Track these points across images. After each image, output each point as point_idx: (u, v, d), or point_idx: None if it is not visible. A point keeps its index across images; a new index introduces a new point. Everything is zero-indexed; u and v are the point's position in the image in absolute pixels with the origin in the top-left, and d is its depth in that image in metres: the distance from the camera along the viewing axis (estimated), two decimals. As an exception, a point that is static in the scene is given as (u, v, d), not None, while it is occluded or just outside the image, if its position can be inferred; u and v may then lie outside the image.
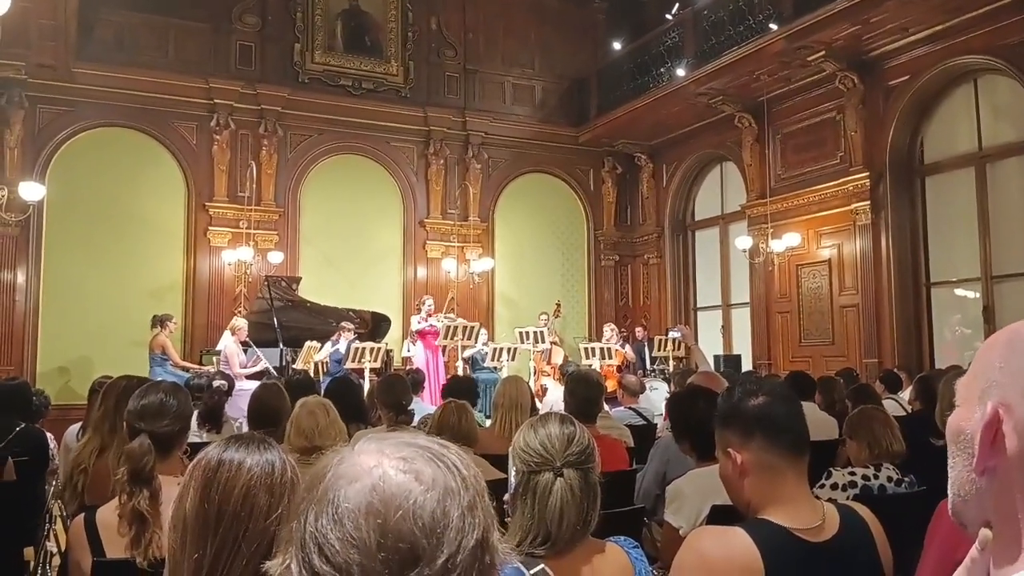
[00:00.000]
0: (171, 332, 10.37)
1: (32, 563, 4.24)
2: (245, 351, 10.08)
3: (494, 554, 0.75)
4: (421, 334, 11.56)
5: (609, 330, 12.33)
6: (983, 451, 0.82)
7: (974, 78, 9.75)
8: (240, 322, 10.26)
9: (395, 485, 0.72)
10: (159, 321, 10.16)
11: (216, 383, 5.38)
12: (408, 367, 10.54)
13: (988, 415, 0.82)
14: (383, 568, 0.69)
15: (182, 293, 11.84)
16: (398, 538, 0.70)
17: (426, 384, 9.53)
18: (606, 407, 5.37)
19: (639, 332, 13.01)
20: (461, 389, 5.20)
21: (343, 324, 10.60)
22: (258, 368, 9.81)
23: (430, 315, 11.68)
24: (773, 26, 10.46)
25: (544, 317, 12.27)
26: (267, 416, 3.99)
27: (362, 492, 0.72)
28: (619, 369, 10.96)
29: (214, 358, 10.26)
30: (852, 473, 3.24)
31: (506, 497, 1.83)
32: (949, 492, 0.89)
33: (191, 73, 11.86)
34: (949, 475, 0.89)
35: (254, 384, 5.90)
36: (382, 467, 0.74)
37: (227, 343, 10.05)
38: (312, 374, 9.44)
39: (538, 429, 1.81)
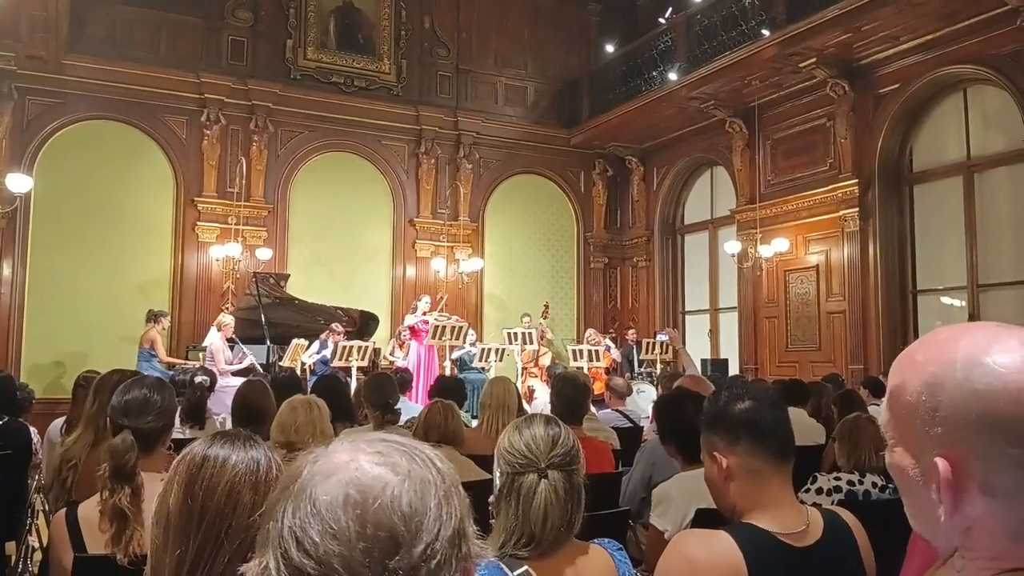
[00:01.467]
0: (163, 329, 10.33)
1: (13, 558, 4.21)
2: (231, 348, 10.04)
3: (470, 544, 0.75)
4: (415, 332, 11.52)
5: (593, 334, 12.32)
6: (950, 508, 0.82)
7: (964, 87, 9.81)
8: (227, 318, 10.23)
9: (372, 477, 0.73)
10: (154, 316, 10.11)
11: (198, 379, 5.35)
12: (395, 366, 10.52)
13: (943, 475, 0.81)
14: (363, 557, 0.69)
15: (169, 288, 11.79)
16: (377, 527, 0.70)
17: (416, 383, 9.53)
18: (593, 409, 5.38)
19: (630, 334, 13.02)
20: (449, 389, 5.19)
21: (333, 326, 10.56)
22: (243, 364, 9.78)
23: (425, 313, 11.65)
24: (765, 32, 10.51)
25: (527, 319, 12.26)
26: (251, 413, 3.97)
27: (339, 485, 0.72)
28: (607, 371, 10.97)
29: (200, 354, 10.22)
30: (837, 478, 3.26)
31: (491, 499, 1.82)
32: (914, 523, 0.90)
33: (182, 68, 11.81)
34: (906, 507, 0.90)
35: (239, 380, 5.87)
36: (358, 461, 0.74)
37: (213, 339, 10.01)
38: (299, 372, 9.42)
39: (523, 430, 1.81)
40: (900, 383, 0.88)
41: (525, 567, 1.66)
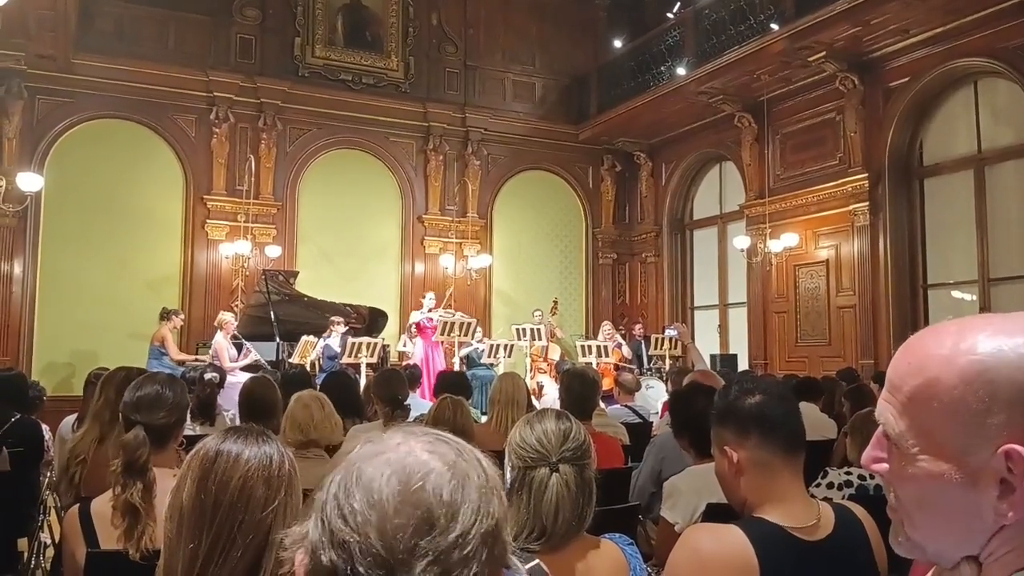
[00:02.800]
0: (175, 327, 10.35)
1: (26, 554, 4.24)
2: (238, 345, 10.05)
3: (505, 550, 0.77)
4: (420, 328, 11.54)
5: (608, 327, 12.32)
6: (1020, 501, 0.79)
7: (974, 80, 9.76)
8: (226, 316, 10.22)
9: (419, 461, 0.75)
10: (167, 314, 10.14)
11: (208, 376, 5.37)
12: (405, 362, 10.54)
13: (1021, 464, 0.77)
14: (397, 531, 0.71)
15: (179, 286, 11.83)
16: (416, 505, 0.72)
17: (424, 380, 9.53)
18: (602, 404, 5.38)
19: (637, 329, 13.00)
20: (453, 384, 5.19)
21: (333, 319, 10.58)
22: (248, 360, 9.80)
23: (431, 310, 11.67)
24: (774, 26, 10.46)
25: (538, 314, 12.27)
26: (258, 408, 3.98)
27: (386, 463, 0.75)
28: (616, 367, 10.96)
29: (208, 352, 10.25)
30: (848, 473, 3.25)
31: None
32: (933, 538, 0.86)
33: (191, 66, 11.84)
34: (924, 522, 0.85)
35: (247, 376, 5.89)
36: (409, 445, 0.77)
37: (216, 338, 10.03)
38: (308, 369, 9.43)
39: (534, 425, 1.81)
40: (924, 384, 0.83)
41: (536, 561, 1.66)
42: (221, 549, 1.28)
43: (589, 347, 11.34)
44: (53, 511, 4.78)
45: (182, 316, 10.64)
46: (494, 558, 0.74)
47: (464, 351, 11.36)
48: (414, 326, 11.68)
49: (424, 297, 11.96)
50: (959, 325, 0.85)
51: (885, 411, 0.87)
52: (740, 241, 11.97)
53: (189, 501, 1.32)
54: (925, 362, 0.84)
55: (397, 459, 0.75)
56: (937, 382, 0.82)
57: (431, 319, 11.51)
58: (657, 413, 6.74)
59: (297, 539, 0.76)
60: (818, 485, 3.18)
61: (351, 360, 9.82)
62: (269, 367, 9.42)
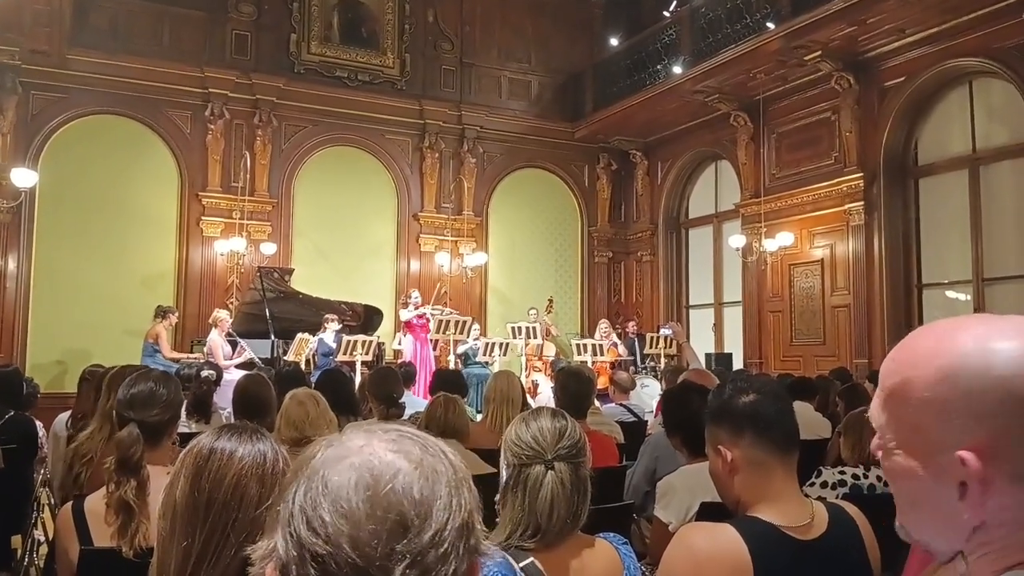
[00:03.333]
0: (170, 325, 10.33)
1: (19, 551, 4.23)
2: (232, 343, 10.04)
3: (479, 539, 0.76)
4: (409, 326, 11.54)
5: (605, 325, 12.34)
6: (978, 501, 0.81)
7: (969, 80, 9.78)
8: (221, 314, 10.21)
9: (385, 462, 0.73)
10: (162, 312, 10.12)
11: (204, 373, 5.36)
12: (400, 360, 10.54)
13: (973, 467, 0.80)
14: (371, 538, 0.70)
15: (174, 283, 11.81)
16: (387, 509, 0.71)
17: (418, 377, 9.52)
18: (597, 403, 5.38)
19: (631, 327, 13.01)
20: (448, 382, 5.19)
21: (326, 316, 10.57)
22: (243, 358, 9.79)
23: (418, 307, 11.65)
24: (770, 25, 10.47)
25: (533, 312, 12.27)
26: (252, 405, 3.97)
27: (351, 468, 0.73)
28: (612, 365, 10.97)
29: (203, 349, 10.24)
30: (842, 472, 3.25)
31: (496, 498, 1.83)
32: (915, 530, 0.89)
33: (186, 62, 11.81)
34: (906, 514, 0.88)
35: (241, 374, 5.88)
36: (372, 446, 0.75)
37: (211, 336, 10.01)
38: (303, 366, 9.43)
39: (530, 423, 1.82)
40: (902, 381, 0.86)
41: (531, 559, 1.66)
42: (214, 547, 1.28)
43: (584, 345, 11.35)
44: (47, 508, 4.77)
45: (177, 314, 10.62)
46: (470, 548, 0.74)
47: (460, 349, 11.36)
48: (403, 326, 11.67)
49: (410, 296, 11.92)
50: (945, 327, 0.87)
51: (873, 404, 0.91)
52: (735, 240, 11.99)
53: (182, 499, 1.32)
54: (904, 362, 0.87)
55: (362, 463, 0.73)
56: (910, 383, 0.85)
57: (423, 316, 11.49)
58: (652, 412, 6.75)
59: (265, 555, 0.73)
60: (812, 484, 3.18)
61: (346, 358, 9.81)
62: (264, 364, 9.41)
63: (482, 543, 0.76)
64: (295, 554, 0.70)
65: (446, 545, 0.71)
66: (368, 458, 0.73)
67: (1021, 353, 0.81)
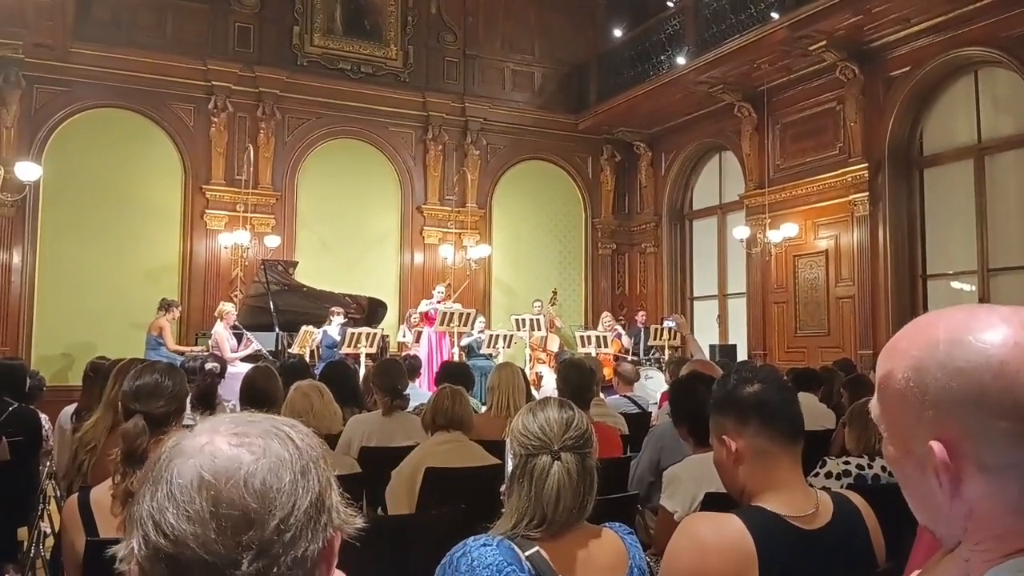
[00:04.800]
0: (173, 318, 10.35)
1: (25, 543, 4.25)
2: (238, 335, 10.06)
3: (332, 515, 0.79)
4: (428, 318, 11.51)
5: (608, 317, 12.33)
6: (950, 490, 0.82)
7: (975, 70, 9.73)
8: (227, 307, 10.23)
9: (226, 458, 0.75)
10: (166, 305, 10.15)
11: (208, 366, 5.37)
12: (404, 352, 10.54)
13: (939, 457, 0.81)
14: (217, 536, 0.72)
15: (178, 276, 11.82)
16: (230, 506, 0.73)
17: (429, 370, 9.54)
18: (601, 395, 5.38)
19: (640, 317, 13.00)
20: (455, 374, 5.19)
21: (332, 309, 10.59)
22: (249, 351, 9.81)
23: (440, 302, 11.64)
24: (775, 15, 10.43)
25: (538, 304, 12.27)
26: (259, 397, 3.99)
27: (194, 467, 0.75)
28: (615, 357, 10.97)
29: (208, 341, 10.26)
30: (846, 462, 3.25)
31: (502, 488, 1.83)
32: (917, 515, 0.90)
33: (189, 55, 11.80)
34: (908, 499, 0.90)
35: (247, 367, 5.90)
36: (213, 443, 0.77)
37: (217, 328, 10.04)
38: (307, 358, 9.44)
39: (537, 413, 1.82)
40: (887, 372, 0.87)
41: (536, 548, 1.67)
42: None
43: (588, 337, 11.35)
44: (53, 500, 4.79)
45: (180, 307, 10.65)
46: (321, 526, 0.77)
47: (464, 341, 11.36)
48: (418, 315, 11.66)
49: (436, 289, 11.93)
50: (930, 318, 0.89)
51: (873, 396, 0.93)
52: (739, 231, 11.97)
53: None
54: (890, 353, 0.89)
55: (204, 462, 0.75)
56: (892, 374, 0.87)
57: (434, 309, 11.50)
58: (656, 403, 6.75)
59: (127, 555, 0.76)
60: (816, 475, 3.18)
61: (350, 350, 9.82)
62: (269, 357, 9.44)
63: (336, 515, 0.79)
64: (148, 553, 0.73)
65: (292, 531, 0.74)
66: (209, 458, 0.75)
67: (989, 344, 0.81)
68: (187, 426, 2.84)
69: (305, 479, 0.77)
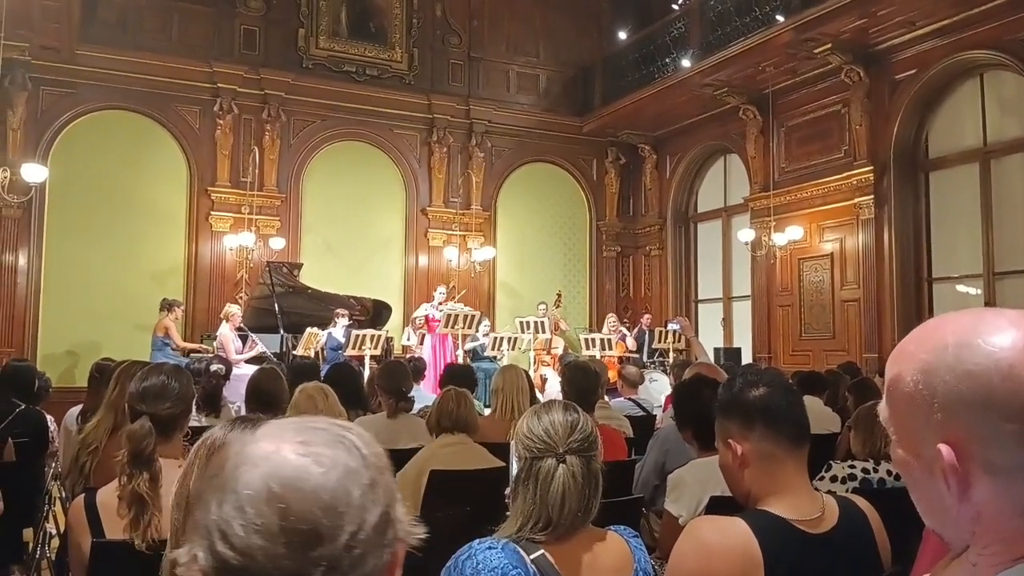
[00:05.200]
0: (177, 318, 10.38)
1: (31, 544, 4.26)
2: (243, 337, 10.08)
3: (398, 528, 0.77)
4: (430, 323, 11.51)
5: (612, 319, 12.31)
6: (958, 493, 0.82)
7: (980, 73, 9.71)
8: (233, 308, 10.25)
9: (294, 468, 0.73)
10: (168, 305, 10.18)
11: (214, 367, 5.38)
12: (409, 354, 10.54)
13: (947, 460, 0.81)
14: (286, 550, 0.71)
15: (183, 277, 11.85)
16: (299, 520, 0.71)
17: (433, 373, 9.53)
18: (606, 398, 5.38)
19: (645, 319, 12.99)
20: (460, 376, 5.19)
21: (337, 311, 10.60)
22: (254, 352, 9.82)
23: (442, 304, 11.65)
24: (780, 17, 10.43)
25: (543, 307, 12.28)
26: (264, 399, 4.00)
27: (262, 478, 0.73)
28: (620, 360, 10.96)
29: (214, 343, 10.28)
30: (852, 466, 3.25)
31: (507, 491, 1.83)
32: (925, 518, 0.90)
33: (194, 57, 11.83)
34: (915, 501, 0.90)
35: (252, 369, 5.91)
36: (280, 452, 0.75)
37: (222, 330, 10.05)
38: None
39: (542, 416, 1.82)
40: (896, 375, 0.88)
41: (541, 551, 1.67)
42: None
43: (592, 340, 11.35)
44: (58, 501, 4.79)
45: (182, 306, 10.67)
46: (388, 541, 0.75)
47: (469, 344, 11.35)
48: (422, 319, 11.66)
49: (437, 291, 11.94)
50: (941, 320, 0.89)
51: (883, 397, 0.93)
52: (744, 234, 11.96)
53: (196, 490, 1.33)
54: (899, 356, 0.89)
55: (271, 472, 0.73)
56: (901, 376, 0.87)
57: (430, 316, 11.51)
58: (660, 406, 6.74)
59: (189, 562, 0.74)
60: (822, 478, 3.18)
61: (355, 352, 9.83)
62: (274, 359, 9.45)
63: (402, 528, 0.78)
64: (214, 564, 0.72)
65: (361, 547, 0.73)
66: (277, 467, 0.74)
67: (997, 347, 0.82)
68: (194, 428, 2.85)
69: (373, 492, 0.75)
